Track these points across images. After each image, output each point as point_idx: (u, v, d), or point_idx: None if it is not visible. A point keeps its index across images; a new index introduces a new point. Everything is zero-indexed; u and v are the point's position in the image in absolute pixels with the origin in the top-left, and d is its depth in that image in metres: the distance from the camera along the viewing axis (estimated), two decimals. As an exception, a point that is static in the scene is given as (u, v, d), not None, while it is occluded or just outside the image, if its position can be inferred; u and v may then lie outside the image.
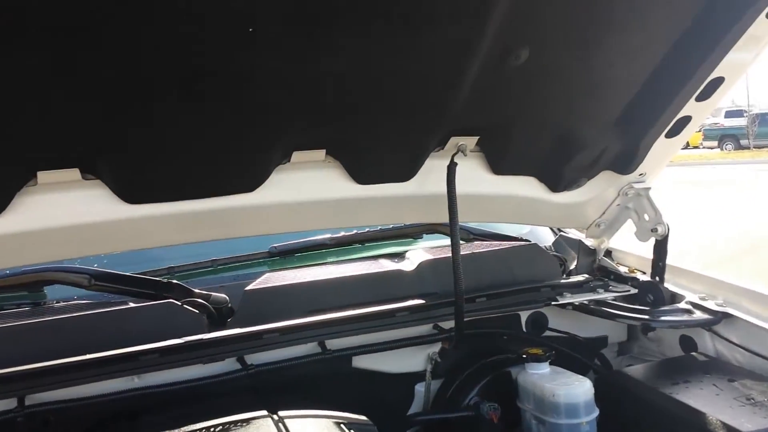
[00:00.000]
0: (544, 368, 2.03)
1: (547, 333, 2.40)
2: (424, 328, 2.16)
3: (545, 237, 2.84)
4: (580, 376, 1.99)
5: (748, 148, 28.04)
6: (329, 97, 1.65)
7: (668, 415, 1.85)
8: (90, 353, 1.74)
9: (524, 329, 2.37)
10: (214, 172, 1.78)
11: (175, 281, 2.11)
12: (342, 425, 1.62)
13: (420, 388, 2.25)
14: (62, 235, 1.72)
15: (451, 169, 2.01)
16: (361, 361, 2.11)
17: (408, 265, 2.27)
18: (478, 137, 2.05)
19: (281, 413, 1.65)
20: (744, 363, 2.11)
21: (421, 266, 2.24)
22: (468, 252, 2.36)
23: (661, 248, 2.35)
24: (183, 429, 1.57)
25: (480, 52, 1.65)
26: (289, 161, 1.86)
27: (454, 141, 2.02)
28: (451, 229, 2.01)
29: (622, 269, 2.56)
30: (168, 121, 1.57)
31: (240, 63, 1.47)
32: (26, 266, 2.02)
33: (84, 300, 2.10)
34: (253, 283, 2.09)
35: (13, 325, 1.84)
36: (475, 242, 2.52)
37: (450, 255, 2.19)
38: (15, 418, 1.68)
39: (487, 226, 2.78)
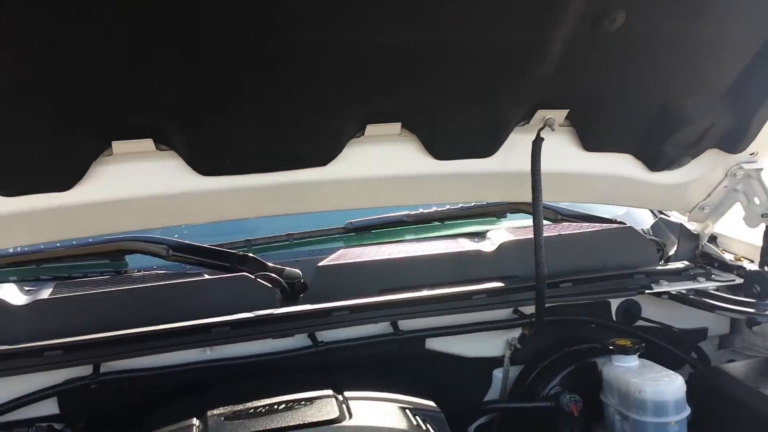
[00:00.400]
0: (632, 361, 1.89)
1: (640, 323, 2.24)
2: (503, 313, 2.06)
3: (643, 219, 2.64)
4: (672, 372, 1.84)
5: None
6: (401, 66, 1.55)
7: (762, 418, 1.68)
8: (164, 324, 1.77)
9: (614, 318, 2.22)
10: (286, 145, 1.74)
11: (251, 254, 2.10)
12: (407, 410, 1.56)
13: (498, 374, 2.17)
14: (135, 205, 1.73)
15: (537, 144, 1.88)
16: (435, 343, 2.04)
17: (488, 245, 2.17)
18: (567, 110, 1.90)
19: (347, 393, 1.62)
20: None
21: (502, 247, 2.13)
22: (555, 234, 2.22)
23: None
24: (246, 404, 1.56)
25: (568, 15, 1.50)
26: (363, 134, 1.80)
27: (541, 114, 1.88)
28: (534, 208, 1.88)
29: (728, 257, 2.35)
30: (239, 92, 1.54)
31: (307, 33, 1.41)
32: (107, 235, 2.07)
33: (163, 270, 2.14)
34: (327, 259, 2.05)
35: (90, 293, 1.89)
36: (564, 223, 2.38)
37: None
38: (89, 385, 1.73)
39: (580, 206, 2.62)
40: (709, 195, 2.25)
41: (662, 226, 2.49)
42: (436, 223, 2.44)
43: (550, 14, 1.50)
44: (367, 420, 1.47)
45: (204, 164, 1.72)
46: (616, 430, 1.88)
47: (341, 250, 2.12)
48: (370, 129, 1.78)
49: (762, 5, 1.67)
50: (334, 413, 1.48)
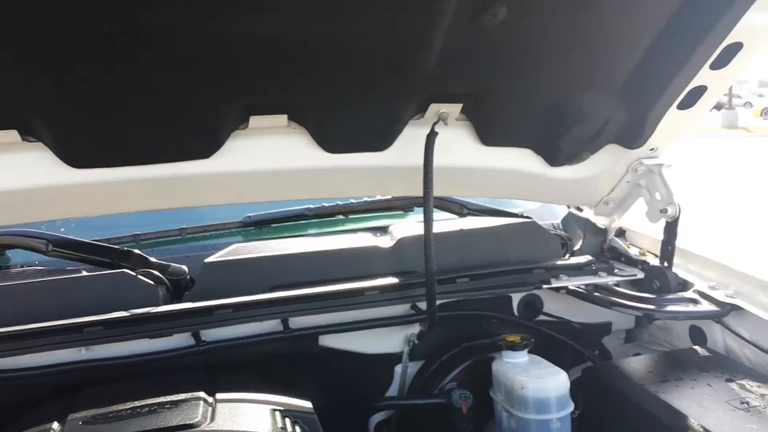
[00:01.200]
0: (521, 357, 1.87)
1: (542, 318, 2.23)
2: (401, 308, 2.03)
3: (558, 214, 2.64)
4: (557, 369, 1.82)
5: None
6: (279, 57, 1.51)
7: (648, 416, 1.67)
8: (37, 322, 1.70)
9: (516, 313, 2.21)
10: (163, 136, 1.68)
11: (135, 250, 2.04)
12: (277, 412, 1.52)
13: (400, 370, 2.14)
14: (4, 199, 1.66)
15: (430, 138, 1.84)
16: (330, 341, 2.00)
17: (387, 240, 2.14)
18: (461, 105, 1.87)
19: (219, 396, 1.57)
20: (754, 361, 1.90)
21: (401, 242, 2.10)
22: (457, 228, 2.20)
23: (671, 230, 2.13)
24: (111, 408, 1.50)
25: (446, 8, 1.47)
26: (246, 126, 1.74)
27: (435, 108, 1.84)
28: (425, 204, 1.85)
29: (634, 251, 2.35)
30: (107, 79, 1.47)
31: (177, 18, 1.35)
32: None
33: (43, 266, 2.07)
34: (215, 255, 2.00)
35: None
36: (469, 217, 2.35)
37: (438, 231, 2.05)
38: None
39: (499, 202, 2.60)
40: (612, 190, 2.25)
41: (570, 220, 2.49)
42: (340, 217, 2.39)
43: (428, 7, 1.47)
44: (227, 424, 1.42)
45: (73, 156, 1.65)
46: (503, 426, 1.86)
47: (234, 246, 2.07)
48: (254, 121, 1.73)
49: (648, 5, 1.66)
50: (195, 417, 1.43)
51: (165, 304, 1.84)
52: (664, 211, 2.10)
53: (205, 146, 1.73)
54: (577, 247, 2.38)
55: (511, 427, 1.83)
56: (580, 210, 2.49)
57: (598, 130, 2.00)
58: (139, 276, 1.87)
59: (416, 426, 2.07)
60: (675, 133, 2.05)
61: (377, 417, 2.14)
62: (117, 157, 1.69)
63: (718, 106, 36.85)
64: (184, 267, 1.99)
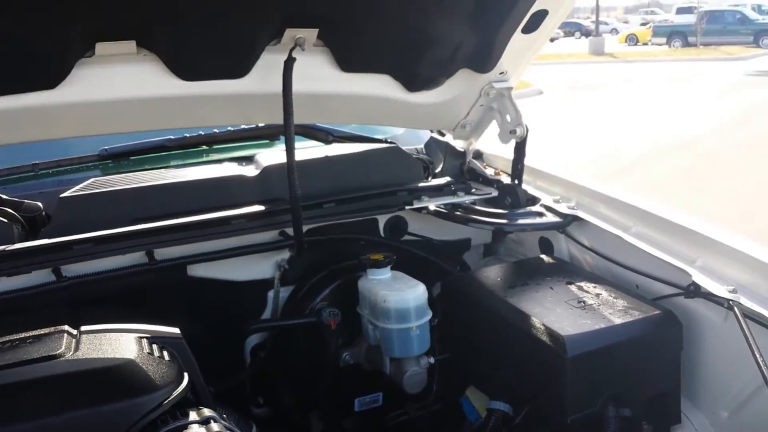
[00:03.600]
0: (384, 274, 1.98)
1: (408, 237, 2.35)
2: (269, 235, 2.08)
3: (423, 139, 2.74)
4: (416, 282, 1.95)
5: (696, 45, 28.01)
6: None
7: (498, 318, 1.84)
8: None
9: (382, 234, 2.31)
10: (1, 66, 1.59)
11: None
12: (144, 339, 1.55)
13: (272, 295, 2.20)
14: None
15: (288, 65, 1.86)
16: (199, 270, 2.03)
17: (252, 169, 2.16)
18: (317, 30, 1.89)
19: (84, 328, 1.57)
20: (593, 265, 2.11)
21: (267, 170, 2.13)
22: (321, 156, 2.25)
23: (520, 150, 2.28)
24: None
25: None
26: (93, 54, 1.68)
27: (291, 33, 1.85)
28: (286, 130, 1.88)
29: (490, 171, 2.50)
30: None
31: None
32: None
33: None
34: (71, 190, 1.95)
35: None
36: (334, 144, 2.41)
37: (303, 158, 2.10)
38: None
39: (364, 129, 2.67)
40: (468, 114, 2.36)
41: (432, 144, 2.60)
42: (204, 147, 2.38)
43: None
44: (92, 353, 1.43)
45: None
46: (369, 338, 1.99)
47: (91, 180, 2.02)
48: (101, 48, 1.67)
49: None
50: (59, 348, 1.43)
51: (21, 241, 1.79)
52: (513, 132, 2.24)
53: (50, 76, 1.66)
54: (438, 170, 2.50)
55: (376, 338, 1.96)
56: (442, 135, 2.61)
57: (450, 55, 2.09)
58: None
59: (290, 346, 2.16)
60: (522, 56, 2.18)
61: (253, 340, 2.21)
62: None
63: (586, 33, 38.61)
64: (39, 203, 1.93)
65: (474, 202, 2.32)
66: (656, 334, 1.72)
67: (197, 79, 1.83)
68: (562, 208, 2.16)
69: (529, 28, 2.05)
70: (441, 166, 2.50)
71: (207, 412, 1.45)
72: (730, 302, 1.59)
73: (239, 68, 1.87)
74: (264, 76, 1.91)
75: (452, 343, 2.09)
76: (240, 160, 2.29)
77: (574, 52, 29.15)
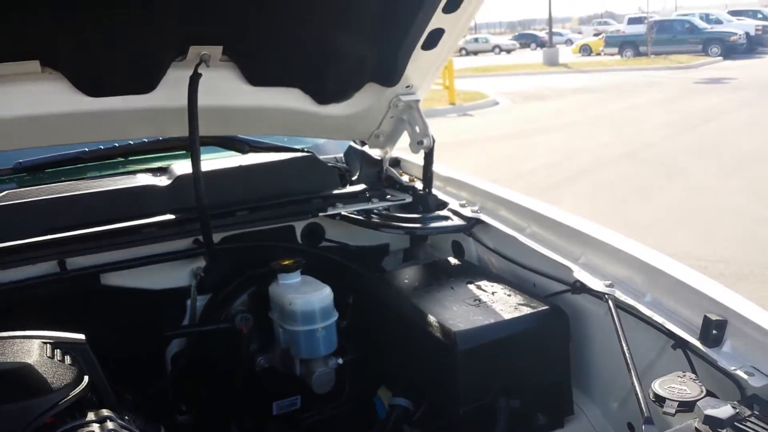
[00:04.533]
0: (294, 278, 2.06)
1: (325, 243, 2.44)
2: (182, 244, 2.14)
3: (344, 148, 2.83)
4: (323, 285, 2.03)
5: (647, 55, 28.76)
6: None
7: (402, 318, 1.93)
8: None
9: (300, 241, 2.39)
10: None
11: None
12: (48, 344, 1.60)
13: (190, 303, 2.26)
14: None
15: (194, 80, 1.92)
16: (113, 279, 2.08)
17: (165, 179, 2.22)
18: (221, 46, 1.97)
19: (-12, 335, 1.62)
20: (498, 266, 2.22)
21: (179, 180, 2.19)
22: (235, 165, 2.33)
23: (428, 159, 2.39)
24: None
25: None
26: None
27: (196, 50, 1.93)
28: (191, 143, 1.95)
29: (406, 178, 2.60)
30: None
31: None
32: None
33: None
34: None
35: None
36: (251, 154, 2.48)
37: (217, 168, 2.16)
38: None
39: (287, 139, 2.75)
40: (380, 125, 2.46)
41: (351, 153, 2.70)
42: (120, 159, 2.43)
43: None
44: (-10, 359, 1.49)
45: None
46: (280, 341, 2.06)
47: (5, 192, 2.06)
48: (3, 68, 1.73)
49: None
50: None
51: None
52: (420, 142, 2.35)
53: None
54: (355, 177, 2.59)
55: (286, 341, 2.03)
56: (363, 143, 2.71)
57: (356, 69, 2.19)
58: None
59: (208, 352, 2.22)
60: (426, 71, 2.28)
61: (173, 348, 2.26)
62: None
63: (542, 44, 39.35)
64: None
65: (388, 209, 2.41)
66: (544, 327, 1.83)
67: (104, 95, 1.90)
68: (467, 211, 2.27)
69: (429, 45, 2.15)
70: (358, 173, 2.59)
71: (105, 412, 1.51)
72: (606, 296, 1.71)
73: (145, 84, 1.94)
74: (171, 90, 1.98)
75: (365, 344, 2.17)
76: (155, 170, 2.34)
77: (529, 63, 29.72)
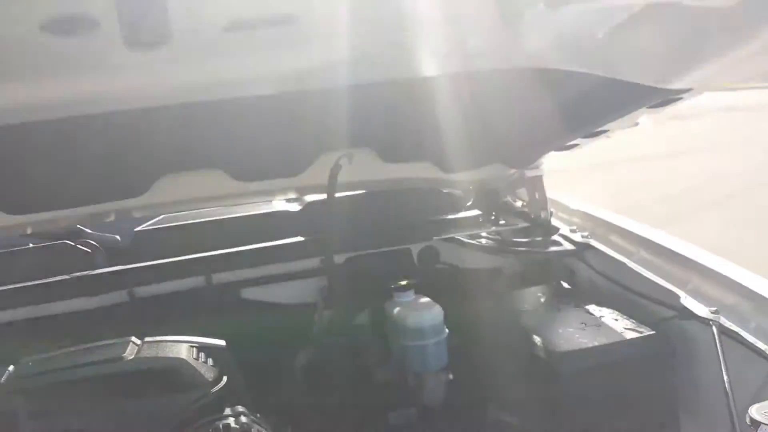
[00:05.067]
0: (408, 297, 2.21)
1: (440, 266, 2.58)
2: (312, 263, 2.36)
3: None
4: (433, 303, 2.16)
5: None
6: None
7: (510, 338, 2.04)
8: None
9: (416, 263, 2.55)
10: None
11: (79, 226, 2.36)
12: (193, 348, 1.85)
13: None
14: None
15: (334, 172, 2.14)
16: (250, 293, 2.33)
17: (297, 205, 2.47)
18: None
19: (147, 339, 1.90)
20: (607, 291, 2.26)
21: (309, 206, 2.43)
22: (361, 192, 2.53)
23: (540, 186, 2.48)
24: (58, 351, 1.82)
25: None
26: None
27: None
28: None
29: (519, 203, 2.70)
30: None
31: None
32: None
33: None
34: (145, 224, 2.32)
35: None
36: None
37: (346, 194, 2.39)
38: None
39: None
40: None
41: None
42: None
43: None
44: (147, 356, 1.75)
45: None
46: (395, 355, 2.22)
47: (161, 216, 2.39)
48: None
49: None
50: (123, 353, 1.76)
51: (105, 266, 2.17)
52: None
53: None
54: (469, 203, 2.72)
55: (400, 355, 2.19)
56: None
57: (488, 152, 2.32)
58: (77, 245, 2.19)
59: (330, 362, 2.42)
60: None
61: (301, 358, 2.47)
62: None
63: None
64: (116, 236, 2.31)
65: (501, 233, 2.52)
66: (649, 352, 1.86)
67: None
68: (577, 237, 2.34)
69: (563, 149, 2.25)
70: (473, 199, 2.72)
71: (240, 408, 1.74)
72: (711, 321, 1.73)
73: (298, 168, 2.15)
74: (315, 171, 2.17)
75: (475, 362, 2.28)
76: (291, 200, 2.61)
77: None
